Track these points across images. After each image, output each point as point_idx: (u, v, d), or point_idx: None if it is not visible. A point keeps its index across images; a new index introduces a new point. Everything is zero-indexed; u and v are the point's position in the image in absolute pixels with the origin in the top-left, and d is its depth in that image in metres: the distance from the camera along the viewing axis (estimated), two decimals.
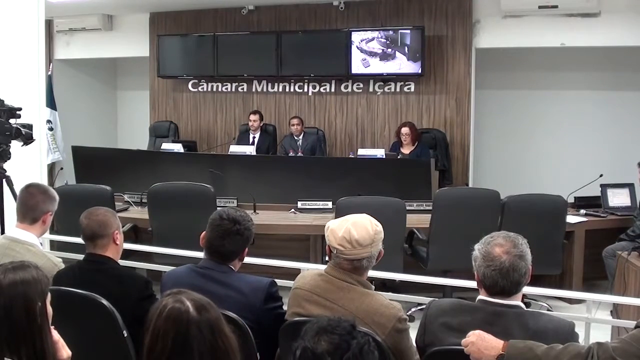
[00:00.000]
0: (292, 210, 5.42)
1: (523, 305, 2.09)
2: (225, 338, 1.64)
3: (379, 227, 2.30)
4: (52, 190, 3.04)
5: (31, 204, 2.90)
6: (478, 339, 1.97)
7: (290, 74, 7.75)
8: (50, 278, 2.60)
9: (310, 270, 2.56)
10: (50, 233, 4.29)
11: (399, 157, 6.59)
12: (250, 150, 6.84)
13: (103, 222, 2.65)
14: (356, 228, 2.25)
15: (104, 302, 2.33)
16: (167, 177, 5.37)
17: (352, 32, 7.34)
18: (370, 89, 7.64)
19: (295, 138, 7.25)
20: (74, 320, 2.46)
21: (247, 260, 2.68)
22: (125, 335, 2.29)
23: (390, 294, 2.92)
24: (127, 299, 2.42)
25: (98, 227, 2.64)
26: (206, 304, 1.67)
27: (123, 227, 4.87)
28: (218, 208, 2.54)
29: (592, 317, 2.95)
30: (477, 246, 2.12)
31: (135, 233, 5.02)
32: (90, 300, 2.36)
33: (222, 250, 2.44)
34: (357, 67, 7.37)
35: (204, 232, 2.49)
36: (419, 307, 4.18)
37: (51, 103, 8.06)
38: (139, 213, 5.21)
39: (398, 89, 7.54)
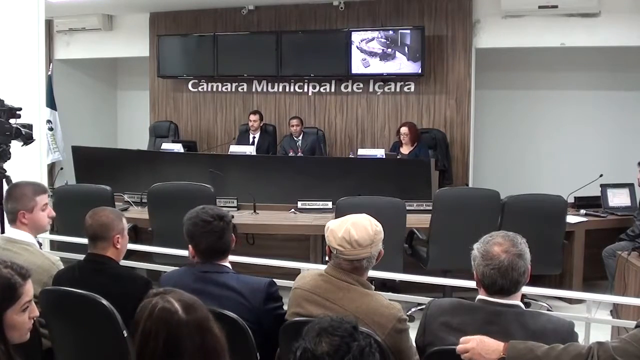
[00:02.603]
0: (292, 210, 5.42)
1: (522, 305, 2.09)
2: (213, 337, 1.63)
3: (379, 227, 2.30)
4: (38, 184, 3.02)
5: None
6: (478, 344, 1.96)
7: (290, 74, 7.75)
8: (49, 277, 2.64)
9: (311, 270, 2.56)
10: (50, 233, 4.29)
11: (398, 157, 6.59)
12: (250, 150, 6.84)
13: (105, 225, 2.62)
14: (356, 228, 2.25)
15: (104, 302, 2.32)
16: (167, 177, 5.37)
17: (352, 32, 7.34)
18: (370, 89, 7.64)
19: (295, 139, 7.25)
20: (74, 320, 2.47)
21: (247, 260, 2.68)
22: (125, 335, 2.28)
23: (390, 294, 2.92)
24: (126, 299, 2.41)
25: (99, 229, 2.62)
26: (194, 303, 1.66)
27: None
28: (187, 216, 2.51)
29: (592, 317, 2.95)
30: (476, 245, 2.12)
31: (135, 233, 5.01)
32: (91, 300, 2.36)
33: (224, 248, 2.46)
34: (357, 67, 7.37)
35: (191, 246, 2.47)
36: (419, 307, 4.18)
37: (51, 103, 8.05)
38: (139, 213, 5.21)
39: (398, 89, 7.54)
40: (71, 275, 2.61)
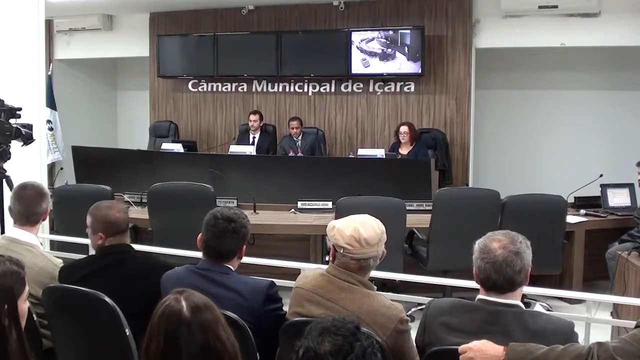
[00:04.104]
0: (292, 210, 5.42)
1: (522, 305, 2.08)
2: (219, 341, 1.63)
3: (383, 227, 2.31)
4: (44, 187, 3.05)
5: (33, 207, 2.88)
6: (477, 353, 1.95)
7: (290, 74, 7.75)
8: (51, 279, 2.64)
9: (313, 269, 2.56)
10: (50, 233, 4.29)
11: (398, 157, 6.59)
12: (250, 150, 6.85)
13: (127, 214, 2.75)
14: (364, 227, 2.25)
15: (107, 299, 2.32)
16: (167, 177, 5.37)
17: (352, 32, 7.34)
18: (370, 89, 7.64)
19: (295, 139, 7.25)
20: (77, 318, 2.47)
21: (247, 260, 2.67)
22: (128, 333, 2.28)
23: (390, 294, 2.92)
24: (149, 285, 2.45)
25: (127, 219, 2.73)
26: (203, 305, 1.66)
27: None
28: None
29: (592, 317, 2.95)
30: (477, 241, 2.12)
31: (135, 233, 5.01)
32: (93, 298, 2.35)
33: (219, 250, 2.44)
34: (357, 67, 7.37)
35: (200, 234, 2.49)
36: (419, 307, 4.17)
37: (51, 103, 8.05)
38: (139, 213, 5.20)
39: (398, 89, 7.54)
40: (92, 267, 2.63)
